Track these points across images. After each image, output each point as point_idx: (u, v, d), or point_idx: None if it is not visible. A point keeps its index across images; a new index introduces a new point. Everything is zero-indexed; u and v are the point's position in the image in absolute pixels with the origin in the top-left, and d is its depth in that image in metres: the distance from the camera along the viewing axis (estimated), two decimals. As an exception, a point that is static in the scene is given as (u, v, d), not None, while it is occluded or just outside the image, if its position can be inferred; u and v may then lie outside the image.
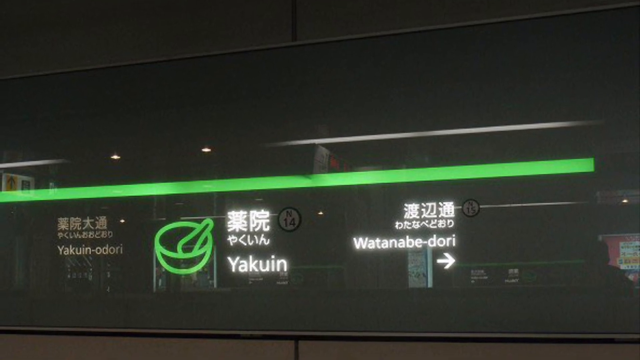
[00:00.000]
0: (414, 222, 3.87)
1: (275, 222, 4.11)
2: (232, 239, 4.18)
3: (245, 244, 4.15)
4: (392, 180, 4.03)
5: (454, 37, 3.90)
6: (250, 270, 4.14)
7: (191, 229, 4.29)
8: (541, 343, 3.62)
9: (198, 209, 4.41)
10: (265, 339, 4.06)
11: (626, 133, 3.62)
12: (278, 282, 4.11)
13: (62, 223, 4.55)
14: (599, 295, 3.69)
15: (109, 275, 4.64)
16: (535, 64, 3.79)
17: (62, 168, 4.80)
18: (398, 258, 3.93)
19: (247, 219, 4.16)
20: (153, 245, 4.35)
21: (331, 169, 4.12)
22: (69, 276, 4.63)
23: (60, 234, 4.55)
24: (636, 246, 3.63)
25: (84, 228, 4.50)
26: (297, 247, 4.10)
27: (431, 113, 3.97)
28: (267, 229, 4.13)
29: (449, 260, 3.83)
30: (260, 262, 4.12)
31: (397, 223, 3.90)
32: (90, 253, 4.50)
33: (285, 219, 4.07)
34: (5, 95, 4.79)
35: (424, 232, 3.86)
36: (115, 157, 4.57)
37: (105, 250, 4.46)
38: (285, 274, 4.10)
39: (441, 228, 3.83)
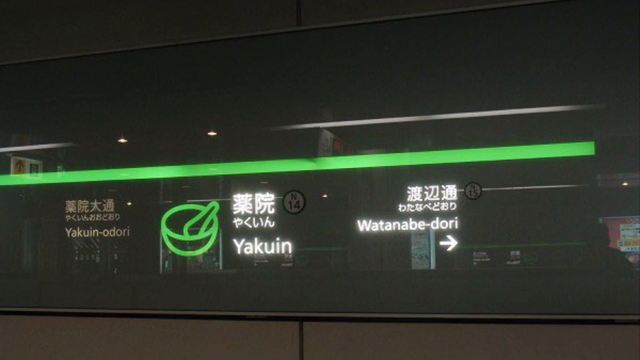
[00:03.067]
0: (417, 204, 3.91)
1: (280, 204, 4.15)
2: (237, 222, 4.22)
3: (250, 227, 4.19)
4: (396, 163, 4.07)
5: (456, 22, 3.92)
6: (256, 252, 4.18)
7: (197, 212, 4.33)
8: (542, 324, 3.66)
9: (204, 191, 4.44)
10: (270, 320, 4.10)
11: (626, 117, 3.65)
12: (283, 264, 4.15)
13: (70, 206, 4.59)
14: (599, 277, 3.73)
15: (116, 257, 4.68)
16: (537, 49, 3.81)
17: (70, 151, 4.82)
18: (401, 240, 3.96)
19: (253, 201, 4.20)
20: (159, 228, 4.39)
21: (335, 152, 4.15)
22: (76, 258, 4.66)
23: (68, 217, 4.59)
24: (636, 228, 3.66)
25: (91, 211, 4.55)
26: (302, 230, 4.14)
27: (434, 97, 4.00)
28: (272, 211, 4.17)
29: (451, 243, 3.86)
30: (266, 244, 4.16)
31: (400, 206, 3.93)
32: (97, 235, 4.55)
33: (290, 202, 4.11)
34: (14, 79, 4.82)
35: (427, 215, 3.89)
36: (122, 140, 4.61)
37: (112, 232, 4.50)
38: (290, 256, 4.14)
39: (444, 211, 3.87)
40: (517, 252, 3.79)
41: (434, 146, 4.03)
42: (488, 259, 3.85)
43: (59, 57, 4.64)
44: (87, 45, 4.60)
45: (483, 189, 3.80)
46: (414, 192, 3.92)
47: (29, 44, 4.76)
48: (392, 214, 3.95)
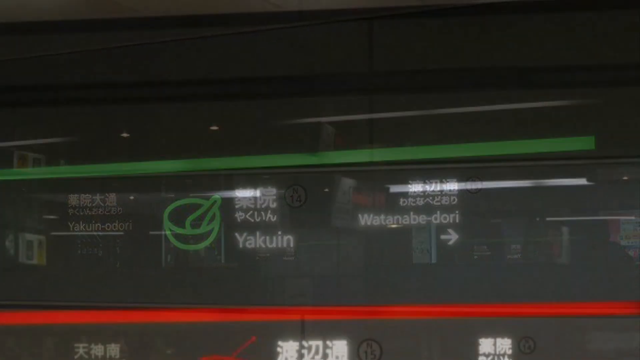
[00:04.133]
0: (418, 198, 3.92)
1: (281, 198, 4.16)
2: (239, 216, 4.23)
3: (252, 220, 4.20)
4: (397, 157, 4.08)
5: (457, 17, 3.93)
6: (257, 245, 4.19)
7: (199, 206, 4.35)
8: (543, 317, 3.68)
9: (206, 186, 4.46)
10: (272, 313, 4.12)
11: (627, 111, 3.67)
12: (284, 258, 4.17)
13: (73, 199, 4.60)
14: (599, 270, 3.75)
15: (118, 251, 4.69)
16: (537, 43, 3.83)
17: (73, 145, 4.83)
18: (402, 234, 3.98)
19: (254, 195, 4.21)
20: (162, 222, 4.41)
21: (337, 147, 4.16)
22: (78, 252, 4.67)
23: (70, 211, 4.60)
24: (636, 222, 3.68)
25: (94, 205, 4.55)
26: (303, 223, 4.16)
27: (435, 92, 4.01)
28: (273, 205, 4.18)
29: (452, 236, 3.88)
30: (267, 238, 4.17)
31: (401, 200, 3.95)
32: (100, 229, 4.55)
33: (292, 196, 4.13)
34: (16, 74, 4.82)
35: (428, 209, 3.91)
36: (125, 134, 4.62)
37: (114, 226, 4.51)
38: (292, 250, 4.16)
39: (445, 205, 3.88)
40: (518, 246, 3.81)
41: (435, 141, 4.04)
42: (489, 253, 3.87)
43: (60, 52, 4.64)
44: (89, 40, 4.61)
45: (483, 183, 3.81)
46: (415, 186, 3.93)
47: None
48: (393, 207, 3.96)
